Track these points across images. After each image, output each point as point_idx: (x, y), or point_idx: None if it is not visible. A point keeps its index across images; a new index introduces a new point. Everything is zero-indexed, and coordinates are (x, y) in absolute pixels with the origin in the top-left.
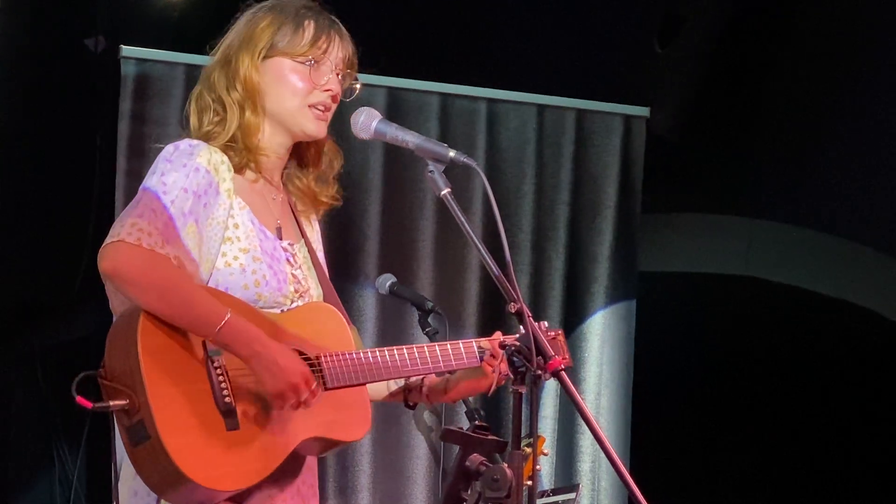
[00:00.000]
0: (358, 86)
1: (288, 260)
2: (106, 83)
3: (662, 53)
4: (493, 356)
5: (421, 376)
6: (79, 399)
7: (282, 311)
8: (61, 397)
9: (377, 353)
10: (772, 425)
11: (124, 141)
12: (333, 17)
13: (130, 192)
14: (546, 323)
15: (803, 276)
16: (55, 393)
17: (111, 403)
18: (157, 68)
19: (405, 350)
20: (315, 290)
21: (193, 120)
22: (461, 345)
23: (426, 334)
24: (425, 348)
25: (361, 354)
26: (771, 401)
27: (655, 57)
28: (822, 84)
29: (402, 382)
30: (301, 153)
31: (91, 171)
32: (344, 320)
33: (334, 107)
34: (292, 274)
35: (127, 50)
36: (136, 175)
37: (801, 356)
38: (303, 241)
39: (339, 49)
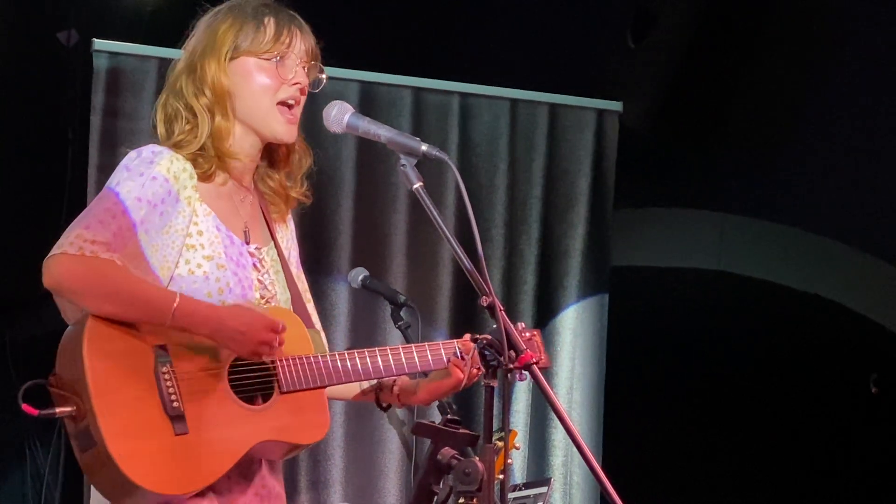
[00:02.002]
0: (324, 77)
1: (255, 265)
2: (78, 77)
3: (635, 48)
4: (461, 357)
5: (392, 377)
6: (24, 407)
7: None
8: (34, 392)
9: (336, 357)
10: (744, 418)
11: (96, 134)
12: (292, 12)
13: (102, 186)
14: (522, 323)
15: (774, 271)
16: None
17: (57, 410)
18: (129, 62)
19: (367, 354)
20: (282, 295)
21: (161, 129)
22: (427, 348)
23: (398, 328)
24: (388, 352)
25: (319, 358)
26: (742, 394)
27: (628, 52)
28: (794, 80)
29: (374, 382)
30: (271, 152)
31: (63, 165)
32: (302, 324)
33: (303, 101)
34: (258, 280)
35: (99, 43)
36: (109, 169)
37: (772, 349)
38: (272, 243)
39: (301, 42)
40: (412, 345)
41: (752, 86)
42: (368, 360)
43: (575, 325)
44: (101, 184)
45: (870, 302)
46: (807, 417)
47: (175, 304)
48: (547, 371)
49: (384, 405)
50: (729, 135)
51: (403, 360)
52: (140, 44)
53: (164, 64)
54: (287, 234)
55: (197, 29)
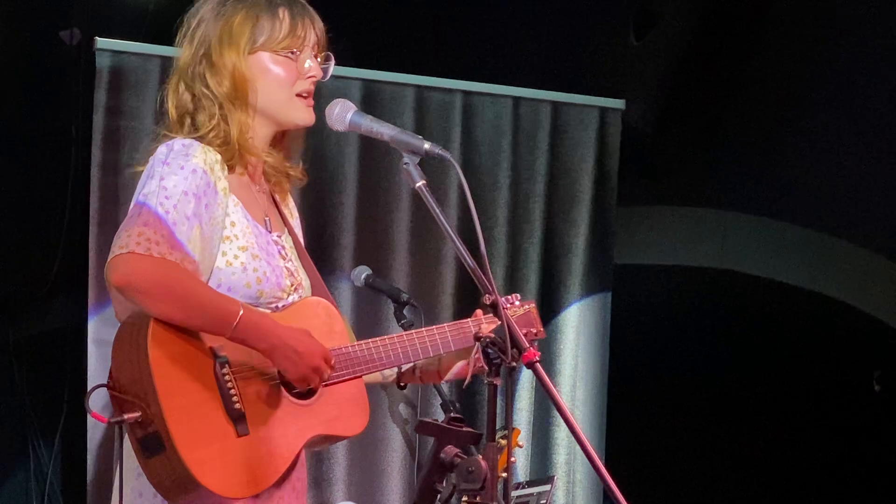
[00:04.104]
0: (332, 63)
1: (280, 253)
2: (81, 75)
3: (638, 46)
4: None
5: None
6: (93, 414)
7: (278, 306)
8: (36, 390)
9: (373, 344)
10: (747, 416)
11: (99, 133)
12: (302, 1)
13: (105, 185)
14: (518, 296)
15: (777, 269)
16: (30, 386)
17: (125, 416)
18: (131, 60)
19: (396, 339)
20: (305, 281)
21: (173, 113)
22: (451, 328)
23: (401, 326)
24: (415, 335)
25: (358, 347)
26: (745, 392)
27: (631, 50)
28: (797, 77)
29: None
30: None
31: (66, 164)
32: (337, 313)
33: (314, 90)
34: (286, 267)
35: (102, 42)
36: (111, 167)
37: (775, 348)
38: (286, 230)
39: (314, 33)
40: (440, 325)
41: (756, 83)
42: (401, 344)
43: (578, 323)
44: (104, 182)
45: (874, 300)
46: (811, 415)
47: (239, 317)
48: (550, 369)
49: (402, 385)
50: (732, 132)
51: (438, 340)
52: (142, 42)
53: (167, 62)
54: (295, 223)
55: (202, 17)
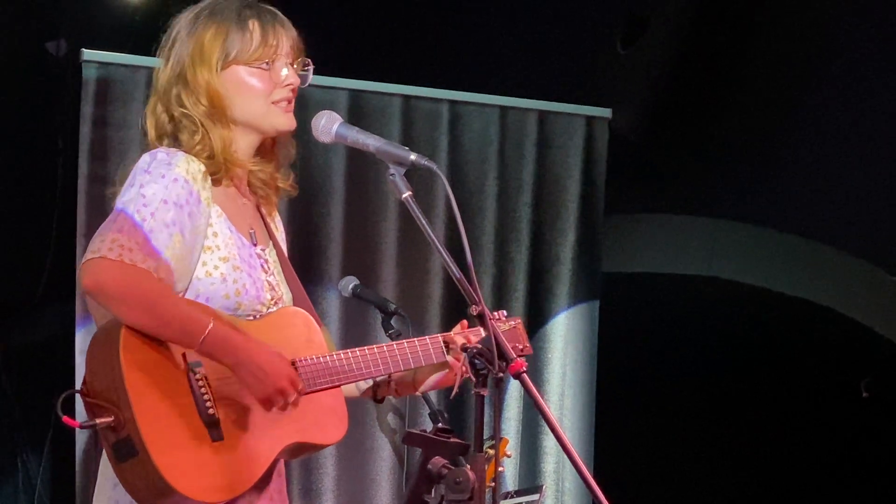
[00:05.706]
0: (311, 69)
1: (262, 266)
2: (68, 87)
3: (625, 55)
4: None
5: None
6: (65, 419)
7: (255, 318)
8: (24, 402)
9: (350, 354)
10: (735, 424)
11: (86, 144)
12: (272, 9)
13: (93, 196)
14: (505, 312)
15: (765, 277)
16: (19, 397)
17: (98, 421)
18: (118, 72)
19: (376, 349)
20: (287, 295)
21: (152, 134)
22: (433, 341)
23: (389, 336)
24: (395, 346)
25: (335, 357)
26: (734, 400)
27: (618, 58)
28: (784, 85)
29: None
30: (259, 146)
31: (53, 175)
32: (315, 324)
33: (294, 96)
34: (267, 281)
35: (88, 53)
36: (99, 179)
37: (764, 355)
38: (271, 243)
39: (286, 41)
40: (415, 339)
41: (743, 90)
42: (378, 355)
43: (566, 331)
44: (91, 193)
45: (861, 306)
46: (799, 423)
47: (207, 331)
48: (538, 378)
49: (380, 398)
50: (719, 140)
51: (411, 353)
52: (129, 54)
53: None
54: (280, 236)
55: (177, 34)
